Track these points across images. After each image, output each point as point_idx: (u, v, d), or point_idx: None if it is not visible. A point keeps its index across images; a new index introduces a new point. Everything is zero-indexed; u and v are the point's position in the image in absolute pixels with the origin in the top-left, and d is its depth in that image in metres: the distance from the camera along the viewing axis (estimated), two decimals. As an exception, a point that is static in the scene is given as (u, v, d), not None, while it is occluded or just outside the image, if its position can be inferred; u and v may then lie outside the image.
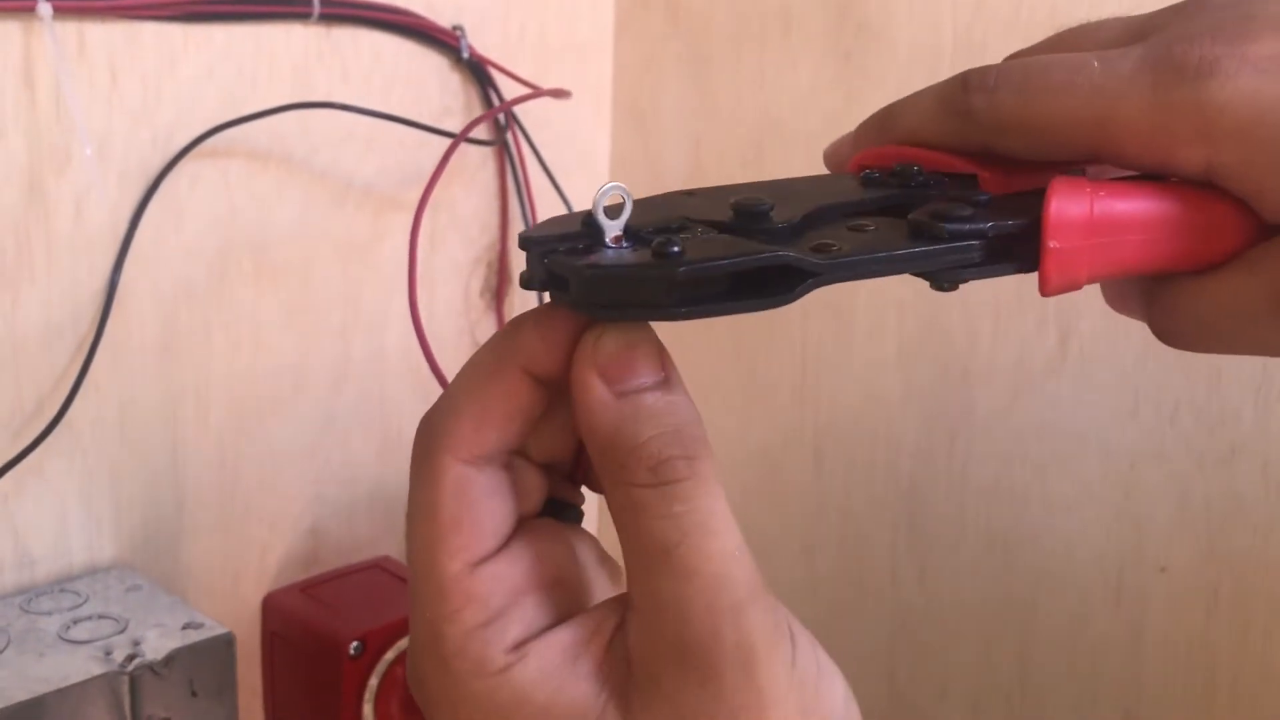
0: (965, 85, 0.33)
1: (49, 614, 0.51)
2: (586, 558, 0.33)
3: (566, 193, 0.69)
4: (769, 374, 0.70)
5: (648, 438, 0.29)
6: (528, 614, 0.30)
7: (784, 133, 0.68)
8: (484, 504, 0.30)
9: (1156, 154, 0.31)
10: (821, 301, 0.67)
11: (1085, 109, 0.31)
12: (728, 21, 0.69)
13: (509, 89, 0.66)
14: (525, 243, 0.31)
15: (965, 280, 0.31)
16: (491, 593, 0.30)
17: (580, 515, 0.34)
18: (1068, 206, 0.30)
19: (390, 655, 0.59)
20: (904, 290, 0.63)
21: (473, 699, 0.29)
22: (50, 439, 0.51)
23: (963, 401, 0.63)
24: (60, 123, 0.50)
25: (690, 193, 0.33)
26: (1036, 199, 0.30)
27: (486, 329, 0.69)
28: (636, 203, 0.30)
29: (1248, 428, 0.55)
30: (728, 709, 0.28)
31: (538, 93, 0.62)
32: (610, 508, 0.30)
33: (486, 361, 0.31)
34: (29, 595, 0.52)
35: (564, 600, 0.31)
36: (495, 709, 0.29)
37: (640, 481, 0.29)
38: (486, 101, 0.66)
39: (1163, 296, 0.33)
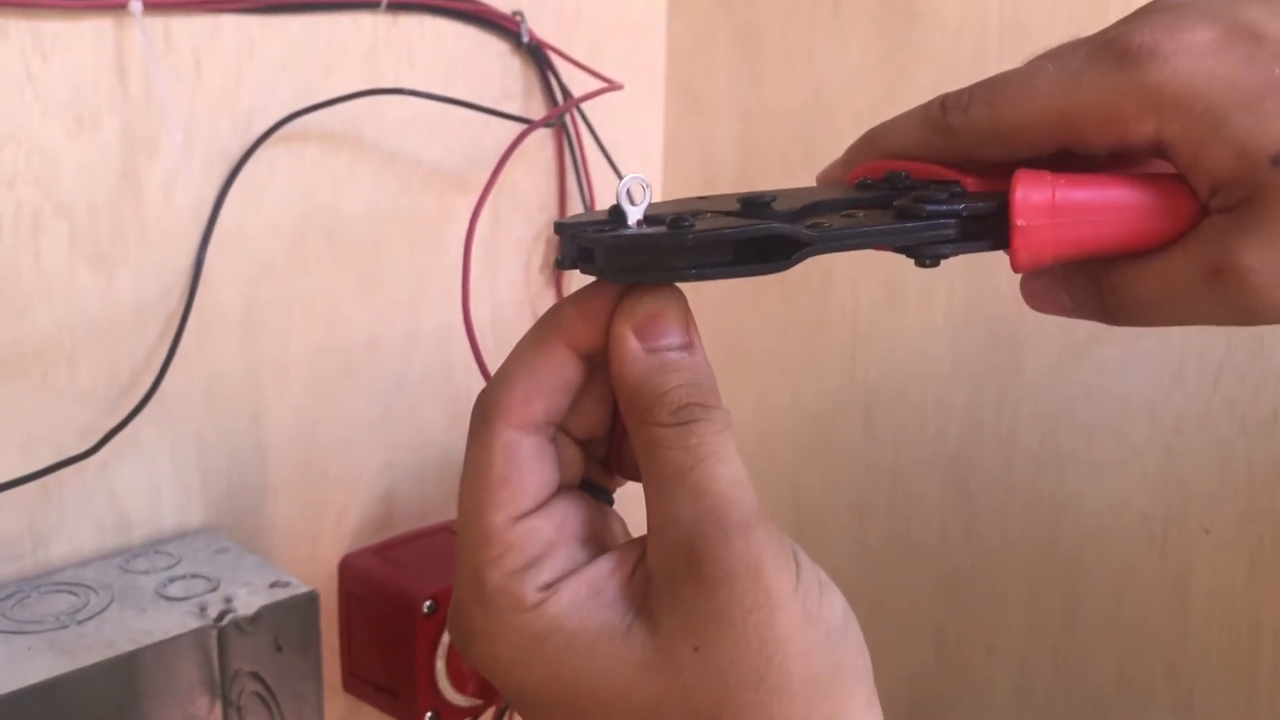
0: (943, 106, 0.38)
1: (146, 573, 0.55)
2: (614, 527, 0.38)
3: (623, 171, 0.71)
4: (821, 342, 0.72)
5: (671, 387, 0.34)
6: (559, 561, 0.35)
7: (833, 111, 0.70)
8: (529, 466, 0.35)
9: (1113, 132, 0.35)
10: (871, 275, 0.70)
11: (1047, 105, 0.36)
12: (778, 1, 0.71)
13: (566, 72, 0.68)
14: (559, 228, 0.36)
15: (944, 255, 0.36)
16: (530, 542, 0.34)
17: (611, 499, 0.39)
18: (1032, 191, 0.35)
19: (461, 613, 0.62)
20: (952, 261, 0.65)
21: (511, 632, 0.34)
22: (144, 411, 0.54)
23: (1010, 367, 0.65)
24: (149, 112, 0.53)
25: (704, 197, 0.38)
26: (1009, 190, 0.35)
27: (546, 302, 0.72)
28: (657, 203, 0.35)
29: (1290, 391, 0.57)
30: (740, 610, 0.32)
31: (602, 89, 0.65)
32: (635, 446, 0.34)
33: (534, 339, 0.36)
34: (127, 556, 0.56)
35: (591, 554, 0.36)
36: (532, 638, 0.34)
37: (662, 421, 0.34)
38: (546, 84, 0.68)
39: (1112, 279, 0.38)
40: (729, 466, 0.33)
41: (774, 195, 0.35)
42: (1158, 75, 0.34)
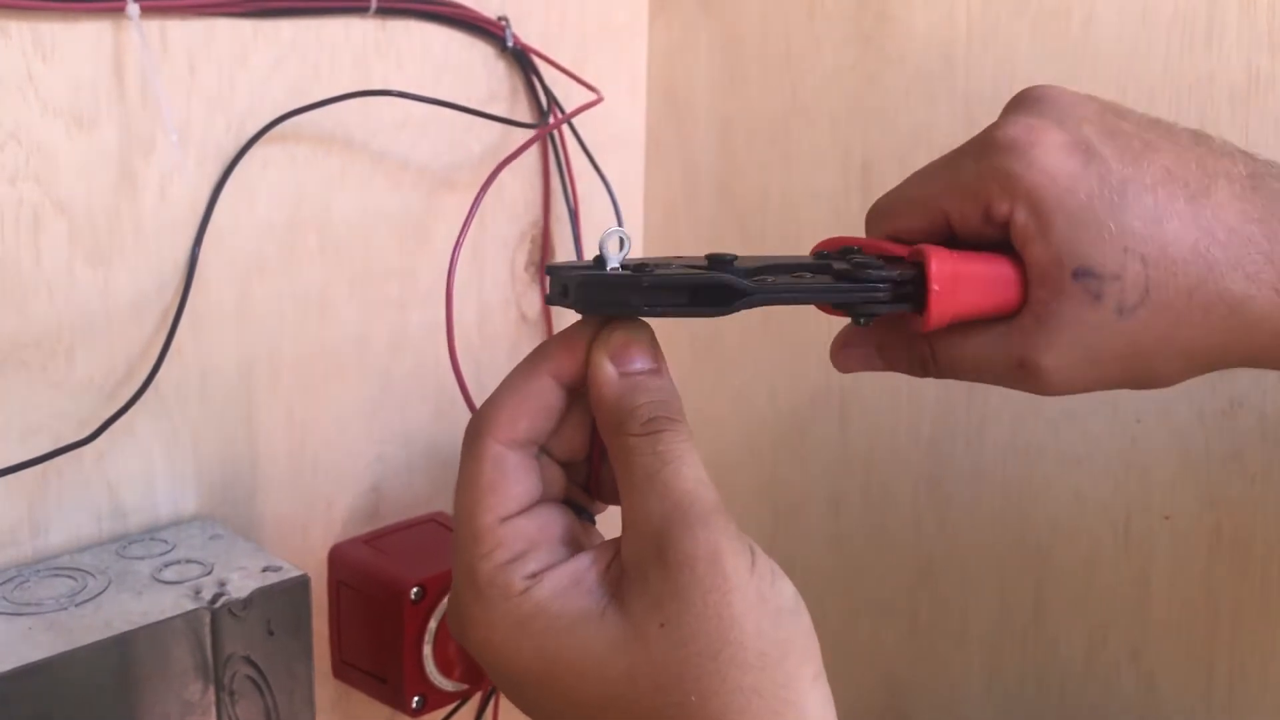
0: (873, 211, 0.48)
1: (142, 559, 0.56)
2: (593, 538, 0.43)
3: (605, 171, 0.73)
4: (798, 340, 0.75)
5: (641, 403, 0.40)
6: (543, 555, 0.40)
7: (809, 113, 0.72)
8: (514, 475, 0.40)
9: (979, 208, 0.43)
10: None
11: (936, 184, 0.45)
12: (756, 5, 0.73)
13: (550, 75, 0.70)
14: (550, 270, 0.43)
15: (876, 314, 0.44)
16: (516, 539, 0.40)
17: (593, 519, 0.45)
18: (942, 264, 0.43)
19: (448, 600, 0.64)
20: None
21: (501, 617, 0.39)
22: (140, 401, 0.56)
23: (979, 362, 0.67)
24: (146, 111, 0.55)
25: (680, 256, 0.44)
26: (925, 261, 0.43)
27: (531, 300, 0.74)
28: (643, 257, 0.41)
29: (1245, 383, 0.59)
30: (700, 591, 0.36)
31: (589, 103, 0.67)
32: (611, 456, 0.40)
33: (521, 369, 0.42)
34: (123, 543, 0.58)
35: (571, 554, 0.41)
36: (519, 620, 0.39)
37: (634, 431, 0.39)
38: (530, 88, 0.71)
39: (936, 348, 0.45)
40: (692, 469, 0.38)
41: (736, 256, 0.42)
42: (1015, 165, 0.41)
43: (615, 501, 0.42)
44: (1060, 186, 0.41)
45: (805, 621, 0.38)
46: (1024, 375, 0.43)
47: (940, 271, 0.42)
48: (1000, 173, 0.42)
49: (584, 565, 0.39)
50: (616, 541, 0.40)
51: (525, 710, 0.41)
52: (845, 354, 0.49)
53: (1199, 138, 0.44)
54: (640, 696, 0.37)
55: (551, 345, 0.42)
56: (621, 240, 0.40)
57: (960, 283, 0.43)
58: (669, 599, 0.37)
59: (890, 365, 0.48)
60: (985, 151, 0.43)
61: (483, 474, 0.40)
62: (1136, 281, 0.41)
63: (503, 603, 0.39)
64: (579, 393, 0.42)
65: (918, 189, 0.46)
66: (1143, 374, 0.44)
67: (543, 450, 0.42)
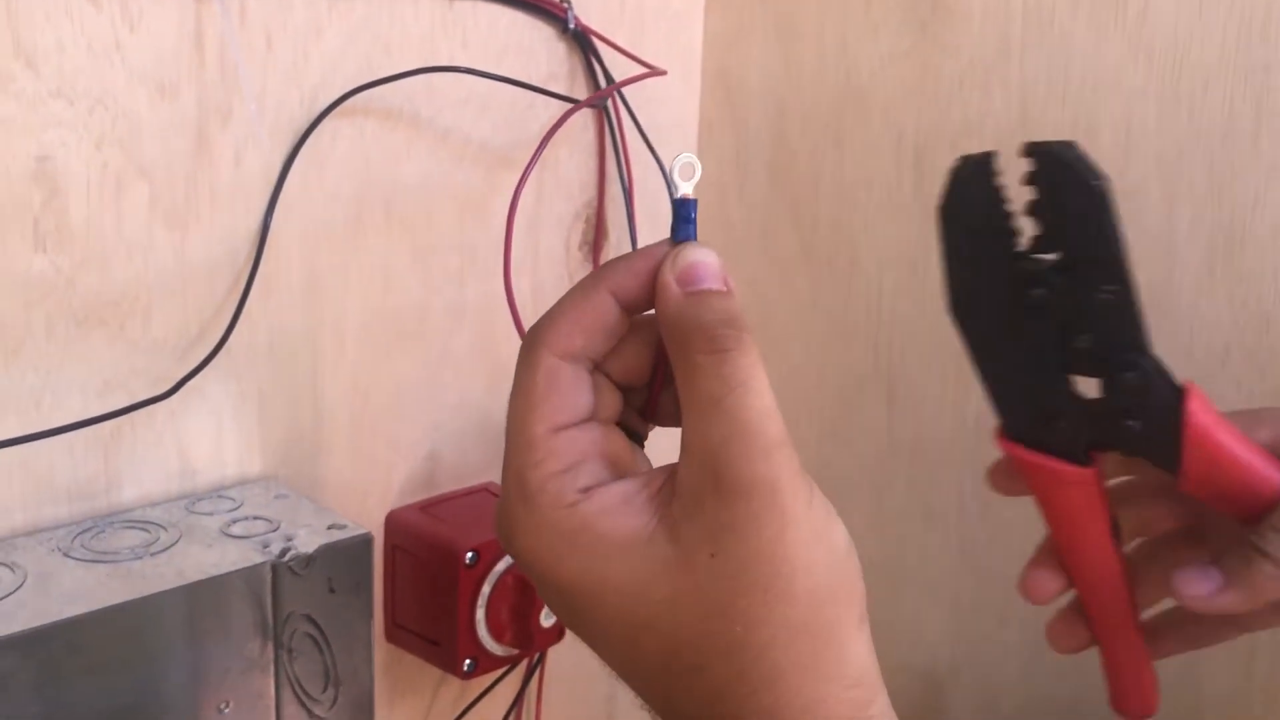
0: None
1: (210, 514, 0.58)
2: (641, 462, 0.42)
3: (661, 154, 0.75)
4: (847, 322, 0.76)
5: (708, 320, 0.38)
6: (593, 471, 0.39)
7: (863, 99, 0.73)
8: (567, 387, 0.40)
9: None
10: (896, 257, 0.73)
11: None
12: (812, -5, 0.75)
13: (609, 56, 0.72)
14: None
15: None
16: (567, 450, 0.39)
17: (642, 443, 0.44)
18: None
19: (500, 566, 0.66)
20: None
21: (549, 525, 0.38)
22: (212, 363, 0.58)
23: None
24: (224, 82, 0.57)
25: None
26: None
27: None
28: None
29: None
30: (755, 524, 0.36)
31: (642, 75, 0.69)
32: (676, 375, 0.39)
33: (582, 284, 0.41)
34: (191, 499, 0.59)
35: (620, 475, 0.40)
36: (564, 532, 0.38)
37: (700, 349, 0.38)
38: (589, 69, 0.72)
39: None
40: (759, 397, 0.37)
41: None
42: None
43: (673, 424, 0.42)
44: None
45: (855, 565, 0.38)
46: None
47: None
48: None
49: (635, 487, 0.39)
50: (669, 467, 0.39)
51: (564, 620, 0.41)
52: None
53: None
54: (683, 622, 0.37)
55: (613, 264, 0.41)
56: (692, 167, 0.40)
57: None
58: (723, 529, 0.36)
59: None
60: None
61: (536, 384, 0.39)
62: None
63: (551, 512, 0.38)
64: (640, 317, 0.41)
65: None
66: None
67: (600, 371, 0.41)
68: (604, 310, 0.40)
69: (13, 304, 0.52)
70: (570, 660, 0.79)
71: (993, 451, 0.72)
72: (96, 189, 0.54)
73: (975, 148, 0.47)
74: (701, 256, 0.40)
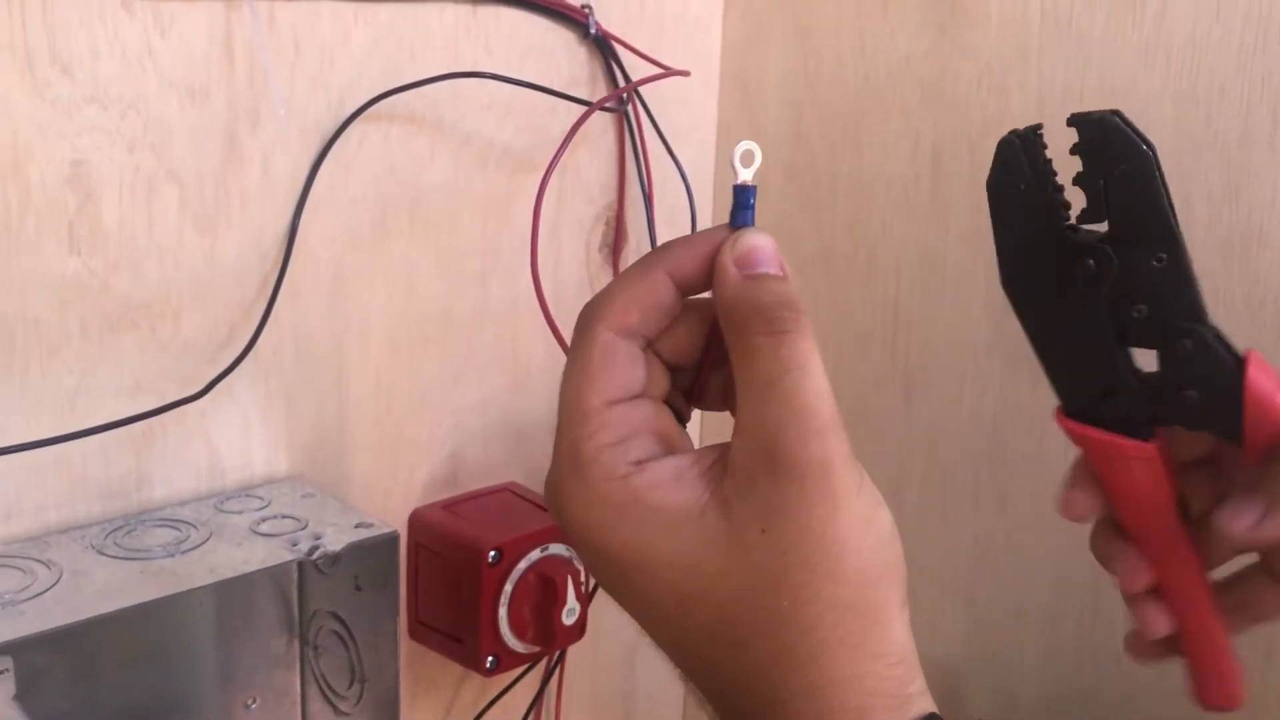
0: None
1: (239, 513, 0.59)
2: (685, 441, 0.43)
3: (679, 157, 0.75)
4: (863, 322, 0.76)
5: (766, 302, 0.39)
6: (645, 445, 0.40)
7: (881, 101, 0.74)
8: (621, 363, 0.40)
9: None
10: (913, 258, 0.73)
11: None
12: (829, -1, 0.75)
13: (630, 62, 0.73)
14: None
15: None
16: (620, 423, 0.40)
17: (685, 424, 0.44)
18: None
19: (522, 565, 0.66)
20: (989, 248, 0.69)
21: (600, 496, 0.39)
22: (241, 365, 0.59)
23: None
24: (252, 87, 0.58)
25: None
26: None
27: (604, 281, 0.76)
28: None
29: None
30: (807, 504, 0.37)
31: (662, 74, 0.69)
32: (733, 356, 0.39)
33: (639, 264, 0.41)
34: (220, 498, 0.60)
35: (671, 448, 0.41)
36: (616, 504, 0.39)
37: (758, 331, 0.38)
38: (610, 73, 0.73)
39: None
40: (814, 380, 0.38)
41: None
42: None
43: (718, 408, 0.42)
44: None
45: (900, 550, 0.39)
46: None
47: None
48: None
49: (686, 462, 0.39)
50: (720, 445, 0.40)
51: (610, 593, 0.41)
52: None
53: None
54: (730, 597, 0.37)
55: (672, 245, 0.41)
56: (753, 154, 0.40)
57: None
58: (775, 508, 0.37)
59: None
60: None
61: (592, 358, 0.40)
62: None
63: (603, 484, 0.39)
64: (694, 299, 0.42)
65: None
66: None
67: (651, 349, 0.42)
68: (660, 290, 0.41)
69: (50, 306, 0.53)
70: (590, 658, 0.80)
71: (1009, 449, 0.73)
72: (129, 192, 0.55)
73: (993, 149, 0.47)
74: (760, 241, 0.40)
